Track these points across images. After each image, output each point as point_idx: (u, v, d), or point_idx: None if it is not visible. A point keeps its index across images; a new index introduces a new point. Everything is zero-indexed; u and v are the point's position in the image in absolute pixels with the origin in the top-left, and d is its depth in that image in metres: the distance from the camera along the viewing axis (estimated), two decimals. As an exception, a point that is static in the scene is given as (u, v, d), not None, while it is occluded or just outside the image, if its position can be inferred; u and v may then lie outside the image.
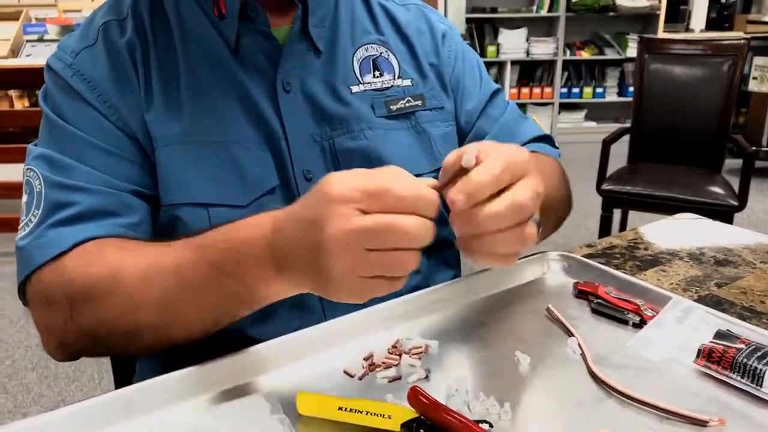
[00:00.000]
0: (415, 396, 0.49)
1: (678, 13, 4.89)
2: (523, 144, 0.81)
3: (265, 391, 0.53)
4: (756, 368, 0.52)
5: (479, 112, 0.81)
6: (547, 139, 0.85)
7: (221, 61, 0.68)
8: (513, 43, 4.82)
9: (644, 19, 4.93)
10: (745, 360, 0.53)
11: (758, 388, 0.51)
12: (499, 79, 4.93)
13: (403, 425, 0.47)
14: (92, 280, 0.55)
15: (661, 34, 4.68)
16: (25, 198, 0.61)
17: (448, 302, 0.67)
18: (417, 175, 0.70)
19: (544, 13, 4.80)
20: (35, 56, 2.79)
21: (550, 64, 4.93)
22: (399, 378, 0.55)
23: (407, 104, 0.75)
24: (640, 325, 0.62)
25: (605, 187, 2.54)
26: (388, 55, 0.76)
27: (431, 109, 0.76)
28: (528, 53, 4.86)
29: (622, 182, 2.53)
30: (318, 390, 0.53)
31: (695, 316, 0.61)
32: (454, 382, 0.53)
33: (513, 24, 4.82)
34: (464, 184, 0.47)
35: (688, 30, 4.81)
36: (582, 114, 5.07)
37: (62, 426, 0.49)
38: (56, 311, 0.56)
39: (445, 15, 2.71)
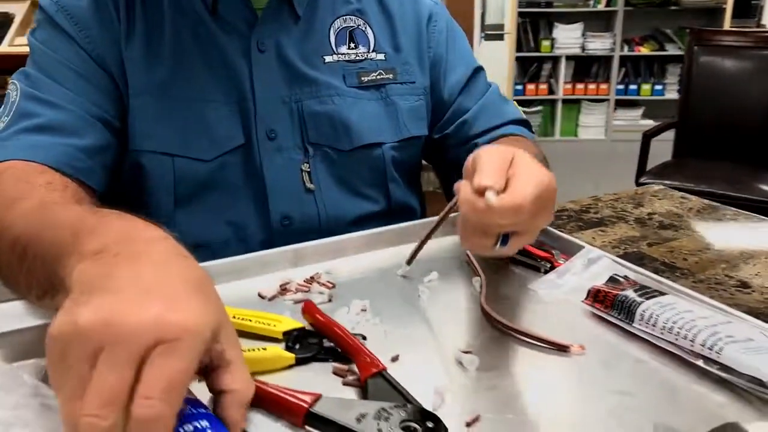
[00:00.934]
0: (307, 309, 0.55)
1: (748, 8, 4.68)
2: (503, 125, 0.83)
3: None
4: (630, 304, 0.54)
5: (461, 87, 0.83)
6: (525, 123, 0.87)
7: (201, 21, 0.72)
8: (568, 38, 4.75)
9: (709, 14, 4.74)
10: (623, 298, 0.55)
11: (629, 323, 0.54)
12: (552, 73, 4.87)
13: (284, 333, 0.53)
14: None
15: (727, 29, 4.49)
16: (4, 108, 0.67)
17: (381, 243, 0.72)
18: (380, 143, 0.77)
19: (601, 7, 4.70)
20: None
21: (606, 60, 4.83)
22: (302, 301, 0.60)
23: (378, 77, 0.78)
24: (551, 271, 0.65)
25: (643, 180, 2.49)
26: (365, 28, 0.79)
27: (402, 83, 0.79)
28: (583, 48, 4.77)
29: (663, 176, 2.47)
30: (231, 305, 0.59)
31: (601, 264, 0.64)
32: (354, 306, 0.58)
33: (568, 18, 4.74)
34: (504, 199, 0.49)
35: (759, 26, 4.59)
36: (639, 112, 4.93)
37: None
38: None
39: (484, 12, 2.72)
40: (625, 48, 4.77)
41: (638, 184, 2.49)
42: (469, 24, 2.52)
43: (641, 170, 2.61)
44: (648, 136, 2.64)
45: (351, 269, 0.67)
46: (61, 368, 0.31)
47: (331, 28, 0.77)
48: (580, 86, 4.86)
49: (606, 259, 0.64)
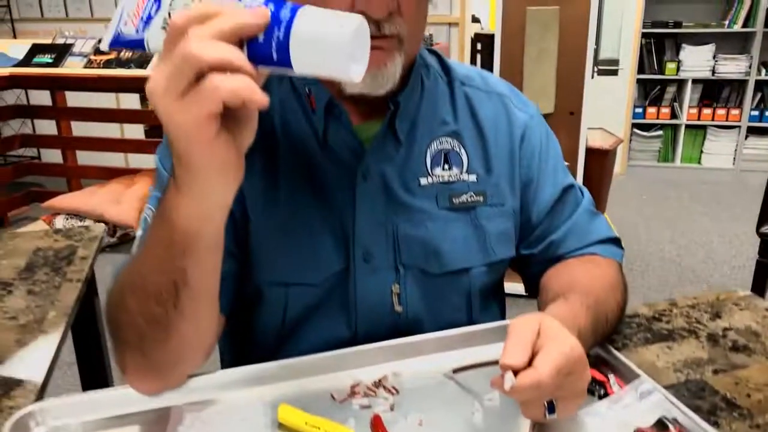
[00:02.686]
0: (375, 424, 0.62)
1: None
2: (591, 245, 0.84)
3: (268, 398, 0.70)
4: (669, 458, 0.57)
5: (550, 207, 0.84)
6: (614, 241, 0.87)
7: (310, 151, 0.76)
8: (696, 60, 4.50)
9: None
10: (663, 448, 0.58)
11: (666, 475, 0.57)
12: (676, 97, 4.63)
13: (347, 446, 0.61)
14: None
15: None
16: (139, 232, 0.74)
17: (452, 345, 0.78)
18: (469, 268, 0.81)
19: (737, 28, 4.40)
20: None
21: (739, 84, 4.51)
22: (369, 407, 0.68)
23: (469, 199, 0.80)
24: (604, 397, 0.68)
25: (764, 230, 2.34)
26: (460, 149, 0.81)
27: (492, 205, 0.81)
28: (714, 71, 4.49)
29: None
30: (306, 405, 0.68)
31: (652, 400, 0.66)
32: (412, 417, 0.65)
33: (698, 39, 4.48)
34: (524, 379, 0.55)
35: None
36: (774, 141, 4.57)
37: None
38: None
39: (597, 47, 2.65)
40: (763, 72, 4.43)
41: (759, 232, 2.34)
42: (581, 59, 2.48)
43: (764, 215, 2.44)
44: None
45: (416, 371, 0.74)
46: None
47: (428, 150, 0.80)
48: (706, 111, 4.59)
49: (658, 394, 0.66)
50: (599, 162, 2.80)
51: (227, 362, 0.89)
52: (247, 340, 0.82)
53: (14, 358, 0.82)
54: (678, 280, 3.05)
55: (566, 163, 2.54)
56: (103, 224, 1.20)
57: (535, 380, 0.55)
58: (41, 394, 0.75)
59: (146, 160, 3.82)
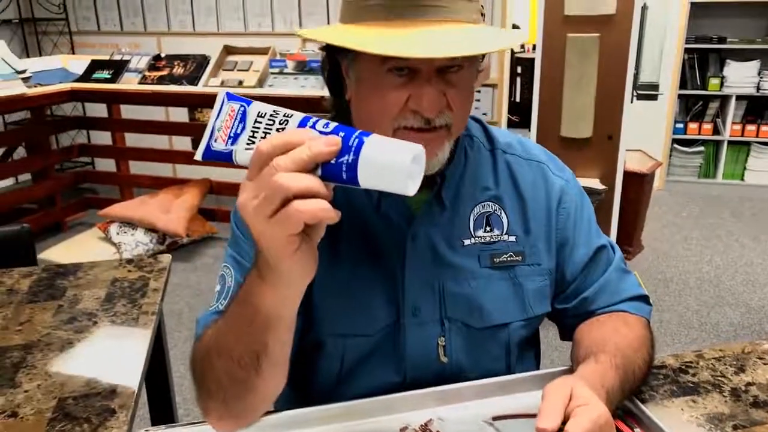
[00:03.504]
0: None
1: None
2: (621, 302, 0.91)
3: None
4: None
5: (583, 266, 0.91)
6: (643, 299, 0.94)
7: (367, 217, 0.85)
8: (741, 76, 4.45)
9: None
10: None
11: None
12: (719, 113, 4.58)
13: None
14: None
15: None
16: (217, 287, 0.83)
17: (493, 392, 0.86)
18: (508, 323, 0.89)
19: (783, 44, 4.34)
20: (276, 86, 3.40)
21: (785, 101, 4.45)
22: (416, 451, 0.77)
23: (509, 258, 0.88)
24: (629, 450, 0.76)
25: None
26: (500, 213, 0.89)
27: (530, 264, 0.89)
28: (759, 88, 4.44)
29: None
30: (360, 446, 0.77)
31: (674, 455, 0.73)
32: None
33: (743, 55, 4.43)
34: None
35: None
36: (821, 159, 4.49)
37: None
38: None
39: (637, 72, 2.67)
40: (810, 89, 4.36)
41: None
42: (621, 85, 2.52)
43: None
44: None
45: (461, 416, 0.82)
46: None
47: (471, 214, 0.87)
48: (750, 128, 4.53)
49: (680, 451, 0.74)
50: (637, 185, 2.83)
51: (287, 399, 0.98)
52: (307, 382, 0.91)
53: (106, 392, 0.94)
54: (716, 301, 3.04)
55: (604, 187, 2.58)
56: (168, 256, 1.32)
57: None
58: (130, 425, 0.86)
59: (193, 171, 3.98)
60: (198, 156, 0.63)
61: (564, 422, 0.66)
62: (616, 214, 2.69)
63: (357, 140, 0.56)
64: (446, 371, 0.88)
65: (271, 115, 0.61)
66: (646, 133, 4.16)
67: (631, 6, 2.40)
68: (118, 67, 3.61)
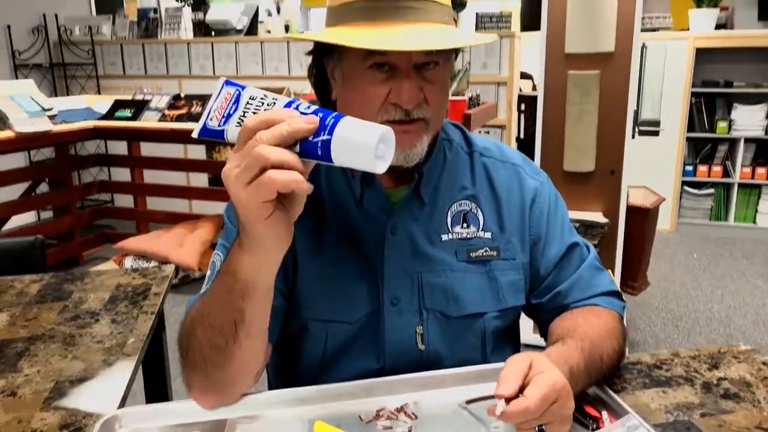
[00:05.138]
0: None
1: None
2: (593, 296, 0.95)
3: (307, 417, 0.82)
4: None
5: (556, 262, 0.96)
6: (615, 294, 0.97)
7: (349, 210, 0.91)
8: (749, 119, 4.49)
9: None
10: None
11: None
12: (728, 156, 4.61)
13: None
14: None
15: None
16: (208, 272, 0.89)
17: (469, 379, 0.89)
18: (483, 313, 0.93)
19: (790, 88, 4.39)
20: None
21: (795, 144, 4.47)
22: (390, 428, 0.80)
23: (484, 253, 0.93)
24: (596, 431, 0.78)
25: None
26: (477, 211, 0.94)
27: (504, 259, 0.94)
28: (767, 131, 4.47)
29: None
30: (338, 424, 0.80)
31: (637, 434, 0.76)
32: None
33: (750, 99, 4.49)
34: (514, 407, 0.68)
35: None
36: (833, 201, 4.47)
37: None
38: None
39: (638, 108, 2.74)
40: (818, 132, 4.39)
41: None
42: (622, 120, 2.58)
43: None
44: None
45: (434, 401, 0.86)
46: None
47: (449, 211, 0.93)
48: (760, 170, 4.54)
49: (644, 430, 0.76)
50: (640, 220, 2.85)
51: (274, 386, 1.03)
52: (293, 367, 0.95)
53: (102, 374, 0.99)
54: (725, 341, 3.01)
55: (607, 221, 2.61)
56: (172, 265, 1.38)
57: (524, 407, 0.67)
58: (122, 403, 0.90)
59: (208, 207, 4.09)
60: (195, 134, 0.70)
61: (522, 391, 0.69)
62: (620, 249, 2.71)
63: (333, 120, 0.62)
64: (424, 359, 0.91)
65: (261, 98, 0.68)
66: (655, 174, 4.20)
67: (630, 44, 2.49)
68: (139, 106, 3.77)
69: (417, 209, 0.92)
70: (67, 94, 4.88)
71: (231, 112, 0.68)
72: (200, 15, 4.61)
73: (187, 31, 4.73)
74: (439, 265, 0.91)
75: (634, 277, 2.89)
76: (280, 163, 0.60)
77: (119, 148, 4.39)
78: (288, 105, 0.66)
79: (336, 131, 0.61)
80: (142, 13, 4.86)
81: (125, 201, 4.54)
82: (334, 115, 0.63)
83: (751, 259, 4.14)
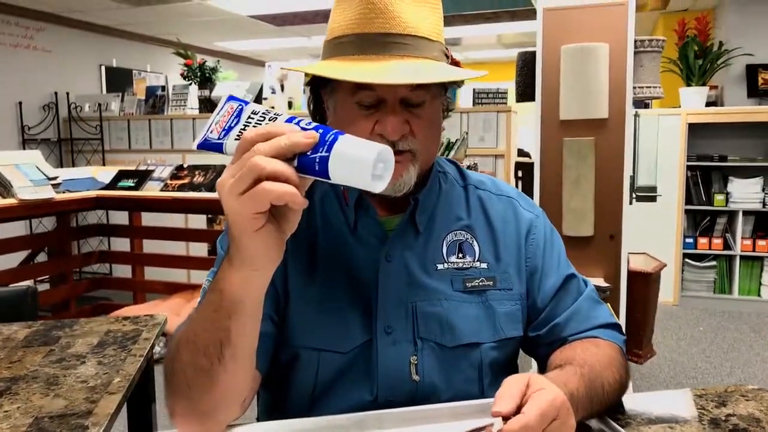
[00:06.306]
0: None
1: None
2: (592, 328, 0.93)
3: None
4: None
5: (553, 294, 0.94)
6: (614, 326, 0.95)
7: (343, 237, 0.90)
8: (746, 193, 4.53)
9: None
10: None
11: None
12: (728, 228, 4.62)
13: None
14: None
15: None
16: (199, 298, 0.89)
17: (466, 414, 0.85)
18: (479, 343, 0.90)
19: (784, 162, 4.46)
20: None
21: (793, 216, 4.49)
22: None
23: (480, 283, 0.91)
24: (600, 463, 0.74)
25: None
26: (473, 241, 0.94)
27: (501, 289, 0.92)
28: (764, 203, 4.51)
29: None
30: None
31: (644, 462, 0.71)
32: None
33: (745, 173, 4.56)
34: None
35: None
36: (838, 274, 4.43)
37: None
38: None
39: (635, 174, 2.78)
40: (815, 204, 4.42)
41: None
42: (618, 186, 2.61)
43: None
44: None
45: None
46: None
47: (444, 241, 0.92)
48: (761, 243, 4.54)
49: (650, 458, 0.72)
50: (642, 286, 2.82)
51: (264, 419, 0.98)
52: (283, 401, 0.91)
53: (84, 411, 0.94)
54: (737, 412, 2.90)
55: (608, 285, 2.59)
56: (164, 314, 1.35)
57: (523, 424, 0.63)
58: (102, 439, 0.86)
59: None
60: (194, 145, 0.70)
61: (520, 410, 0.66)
62: (623, 314, 2.66)
63: (332, 137, 0.62)
64: (419, 391, 0.88)
65: (263, 113, 0.68)
66: (655, 244, 4.18)
67: (623, 111, 2.56)
68: (142, 176, 3.82)
69: (412, 238, 0.92)
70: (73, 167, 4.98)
71: (232, 125, 0.69)
72: (206, 92, 4.77)
73: (193, 107, 4.88)
74: (435, 294, 0.89)
75: (638, 344, 2.83)
76: (275, 174, 0.59)
77: (120, 217, 4.42)
78: (289, 120, 0.66)
79: (335, 148, 0.61)
80: (151, 91, 5.03)
81: (123, 271, 4.52)
82: (333, 132, 0.63)
83: (759, 332, 4.06)
